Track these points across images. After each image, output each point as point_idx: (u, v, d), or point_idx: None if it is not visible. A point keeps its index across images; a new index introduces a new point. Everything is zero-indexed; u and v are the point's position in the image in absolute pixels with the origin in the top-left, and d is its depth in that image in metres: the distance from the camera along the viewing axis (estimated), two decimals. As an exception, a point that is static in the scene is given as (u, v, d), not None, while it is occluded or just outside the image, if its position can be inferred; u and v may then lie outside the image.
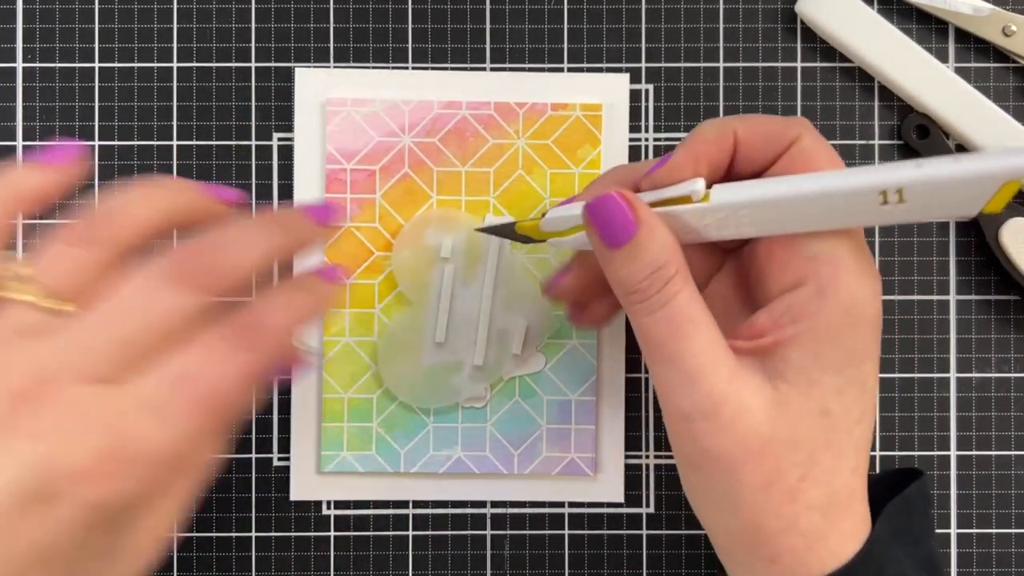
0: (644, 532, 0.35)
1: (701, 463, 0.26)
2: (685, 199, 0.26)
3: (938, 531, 0.35)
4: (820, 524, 0.25)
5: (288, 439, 0.35)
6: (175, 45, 0.35)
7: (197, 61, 0.35)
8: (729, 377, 0.25)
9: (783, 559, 0.25)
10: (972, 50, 0.35)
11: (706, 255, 0.30)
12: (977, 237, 0.35)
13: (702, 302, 0.26)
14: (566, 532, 0.35)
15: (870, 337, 0.26)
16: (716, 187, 0.26)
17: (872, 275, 0.26)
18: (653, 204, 0.26)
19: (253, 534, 0.35)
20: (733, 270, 0.30)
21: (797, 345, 0.25)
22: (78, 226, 0.24)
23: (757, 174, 0.27)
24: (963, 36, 0.35)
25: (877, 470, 0.35)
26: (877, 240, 0.35)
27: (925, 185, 0.22)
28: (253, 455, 0.35)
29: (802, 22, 0.35)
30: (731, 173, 0.27)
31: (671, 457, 0.35)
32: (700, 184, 0.26)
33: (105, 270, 0.24)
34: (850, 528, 0.26)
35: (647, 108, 0.35)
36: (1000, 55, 0.35)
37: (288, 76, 0.35)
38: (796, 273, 0.26)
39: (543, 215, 0.30)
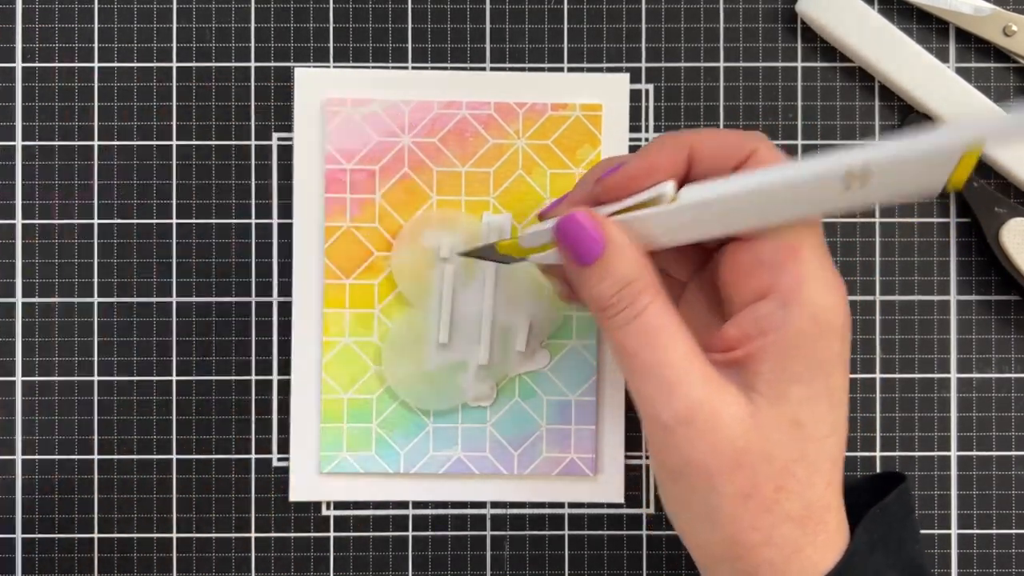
0: (644, 533, 0.35)
1: (681, 473, 0.26)
2: (652, 202, 0.26)
3: (938, 531, 0.35)
4: (796, 536, 0.25)
5: (288, 440, 0.35)
6: (175, 45, 0.35)
7: (197, 61, 0.35)
8: (704, 385, 0.25)
9: (760, 573, 0.26)
10: (972, 50, 0.35)
11: (679, 268, 0.30)
12: (977, 237, 0.35)
13: (674, 312, 0.26)
14: (566, 533, 0.35)
15: (837, 346, 0.26)
16: (684, 189, 0.26)
17: (837, 282, 0.26)
18: (621, 211, 0.27)
19: (252, 535, 0.35)
20: (704, 281, 0.30)
21: (766, 357, 0.25)
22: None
23: None
24: (963, 36, 0.35)
25: (878, 469, 0.35)
26: (878, 240, 0.35)
27: (888, 163, 0.22)
28: (253, 456, 0.35)
29: (802, 22, 0.35)
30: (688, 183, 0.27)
31: (671, 457, 0.35)
32: (669, 187, 0.26)
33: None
34: (826, 540, 0.26)
35: (647, 108, 0.35)
36: (1000, 55, 0.35)
37: (288, 76, 0.35)
38: (760, 283, 0.26)
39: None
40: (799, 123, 0.35)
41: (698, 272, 0.30)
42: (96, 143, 0.35)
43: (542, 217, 0.31)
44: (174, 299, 0.35)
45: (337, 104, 0.34)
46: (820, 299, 0.25)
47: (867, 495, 0.29)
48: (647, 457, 0.35)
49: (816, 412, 0.25)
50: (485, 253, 0.32)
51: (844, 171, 0.22)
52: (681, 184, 0.27)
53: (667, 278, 0.31)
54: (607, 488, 0.35)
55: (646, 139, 0.35)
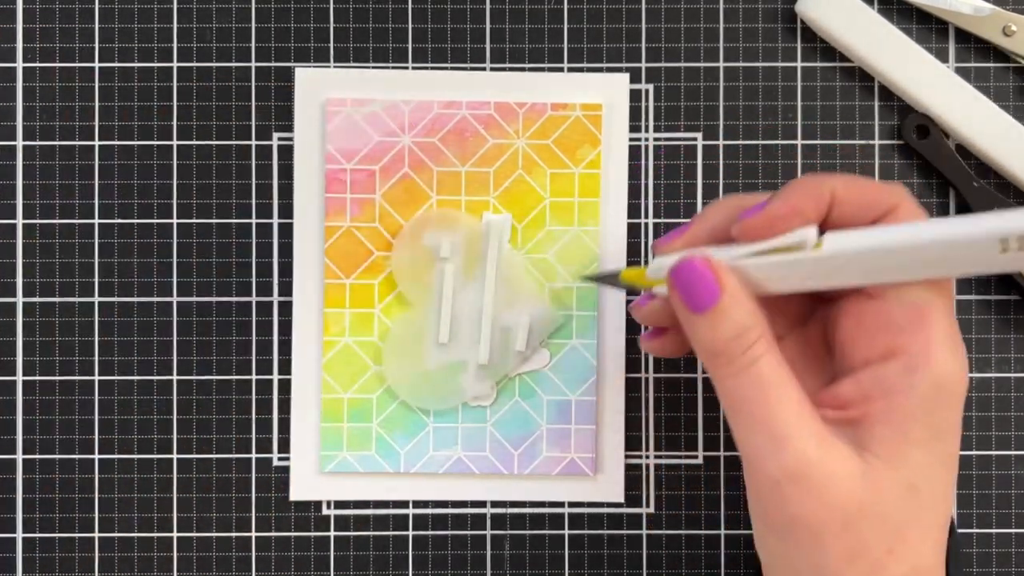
0: (644, 532, 0.35)
1: (787, 530, 0.25)
2: (793, 248, 0.25)
3: (938, 531, 0.35)
4: None
5: (288, 439, 0.35)
6: (175, 45, 0.35)
7: (197, 61, 0.35)
8: (818, 442, 0.25)
9: None
10: (972, 50, 0.35)
11: (788, 307, 0.29)
12: (977, 237, 0.35)
13: (786, 365, 0.26)
14: (566, 532, 0.35)
15: (956, 412, 0.25)
16: (828, 235, 0.25)
17: (961, 347, 0.25)
18: (758, 253, 0.26)
19: (253, 534, 0.35)
20: (815, 326, 0.29)
21: (887, 420, 0.25)
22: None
23: None
24: (963, 36, 0.35)
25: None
26: (877, 240, 0.35)
27: None
28: (253, 455, 0.35)
29: (802, 22, 0.35)
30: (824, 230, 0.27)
31: (671, 457, 0.35)
32: (812, 232, 0.25)
33: None
34: None
35: (647, 108, 0.35)
36: (1000, 55, 0.35)
37: (288, 76, 0.35)
38: (886, 343, 0.25)
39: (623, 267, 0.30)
40: (799, 123, 0.35)
41: (798, 326, 0.29)
42: (96, 143, 0.35)
43: (656, 250, 0.30)
44: (174, 299, 0.35)
45: (337, 104, 0.34)
46: (947, 366, 0.25)
47: None
48: (647, 456, 0.35)
49: (932, 477, 0.25)
50: (608, 280, 0.31)
51: (1005, 235, 0.22)
52: (821, 230, 0.26)
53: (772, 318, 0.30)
54: (607, 488, 0.35)
55: (646, 139, 0.35)
